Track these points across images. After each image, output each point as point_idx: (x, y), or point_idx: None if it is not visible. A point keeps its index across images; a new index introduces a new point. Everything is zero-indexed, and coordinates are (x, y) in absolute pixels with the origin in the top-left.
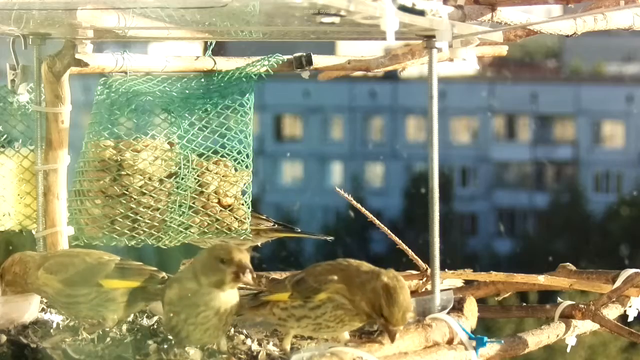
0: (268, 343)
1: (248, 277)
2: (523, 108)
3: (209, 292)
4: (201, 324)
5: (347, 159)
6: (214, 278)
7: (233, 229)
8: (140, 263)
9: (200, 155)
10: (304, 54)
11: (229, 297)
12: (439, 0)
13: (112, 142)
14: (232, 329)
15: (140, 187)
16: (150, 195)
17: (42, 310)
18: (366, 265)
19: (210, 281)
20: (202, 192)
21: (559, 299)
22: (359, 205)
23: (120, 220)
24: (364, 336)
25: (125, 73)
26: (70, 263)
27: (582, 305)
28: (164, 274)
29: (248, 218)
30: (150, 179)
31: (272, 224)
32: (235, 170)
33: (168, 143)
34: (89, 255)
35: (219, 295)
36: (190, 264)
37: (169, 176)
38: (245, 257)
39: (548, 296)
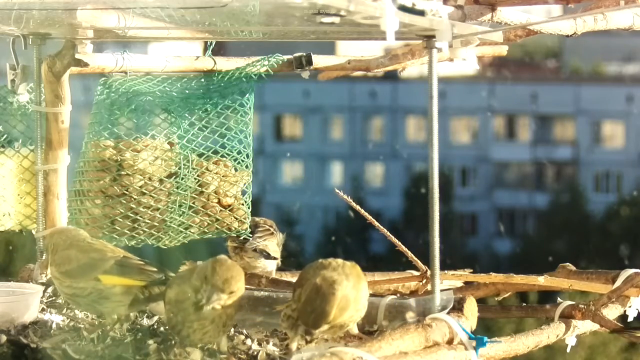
0: (268, 343)
1: (212, 303)
2: (523, 108)
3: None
4: (199, 329)
5: (347, 159)
6: (197, 284)
7: (233, 229)
8: (142, 262)
9: (200, 155)
10: (304, 54)
11: (228, 308)
12: (439, 0)
13: (112, 142)
14: (232, 329)
15: (140, 187)
16: (150, 195)
17: (42, 310)
18: (326, 264)
19: (194, 287)
20: (202, 192)
21: (558, 299)
22: (358, 207)
23: (120, 220)
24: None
25: (125, 73)
26: (74, 257)
27: (582, 306)
28: (162, 275)
29: (248, 218)
30: (150, 179)
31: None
32: (235, 170)
33: (168, 143)
34: (97, 251)
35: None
36: (194, 267)
37: (169, 176)
38: (225, 282)
39: (548, 296)
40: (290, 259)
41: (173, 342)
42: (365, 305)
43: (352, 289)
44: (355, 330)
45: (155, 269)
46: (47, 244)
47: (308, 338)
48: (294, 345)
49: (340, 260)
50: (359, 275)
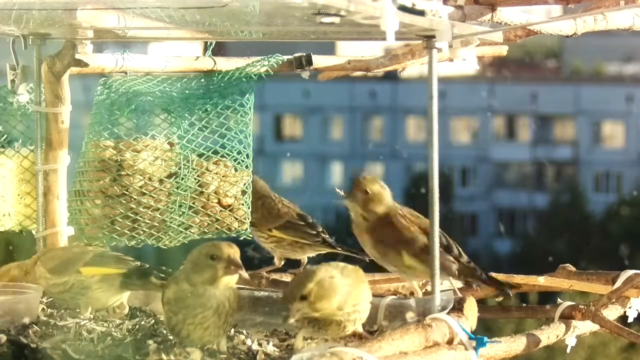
0: (268, 343)
1: (240, 271)
2: (523, 108)
3: (204, 293)
4: (200, 323)
5: (347, 159)
6: (207, 275)
7: (233, 229)
8: (120, 254)
9: (200, 155)
10: (304, 54)
11: (225, 295)
12: (439, 0)
13: (112, 142)
14: (232, 329)
15: (140, 187)
16: (150, 196)
17: (42, 310)
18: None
19: (204, 279)
20: (202, 192)
21: (558, 299)
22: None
23: (120, 220)
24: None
25: (125, 73)
26: (58, 255)
27: (582, 306)
28: (138, 262)
29: (248, 218)
30: (150, 179)
31: (317, 237)
32: (235, 170)
33: (168, 143)
34: (78, 247)
35: (214, 294)
36: (183, 266)
37: (169, 176)
38: (235, 253)
39: (548, 297)
40: (291, 259)
41: (173, 342)
42: (366, 308)
43: (343, 280)
44: (360, 329)
45: (132, 259)
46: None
47: (286, 315)
48: (299, 344)
49: (342, 263)
50: (358, 277)
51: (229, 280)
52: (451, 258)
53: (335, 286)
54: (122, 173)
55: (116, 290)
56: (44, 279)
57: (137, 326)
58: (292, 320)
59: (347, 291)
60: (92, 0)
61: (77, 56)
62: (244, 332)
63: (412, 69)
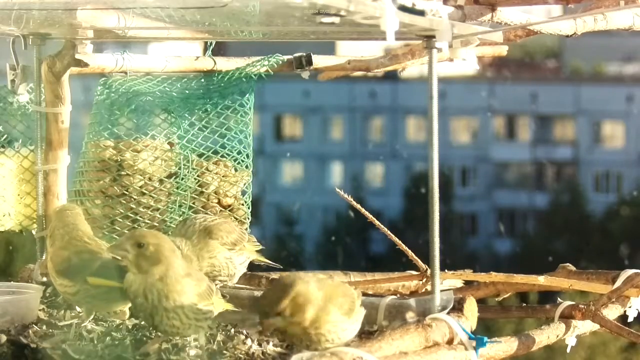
0: (268, 343)
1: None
2: (523, 108)
3: (132, 276)
4: (139, 310)
5: (347, 159)
6: None
7: None
8: None
9: (200, 155)
10: (304, 54)
11: (151, 282)
12: (439, 0)
13: (112, 142)
14: (233, 329)
15: (140, 187)
16: (150, 196)
17: (42, 310)
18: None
19: None
20: (202, 192)
21: (559, 299)
22: (358, 206)
23: (120, 220)
24: (363, 336)
25: (125, 73)
26: (67, 257)
27: (582, 306)
28: None
29: (248, 218)
30: (150, 179)
31: None
32: (235, 170)
33: (168, 143)
34: (89, 252)
35: (135, 279)
36: None
37: (169, 176)
38: (128, 240)
39: (548, 296)
40: (290, 259)
41: (174, 342)
42: (337, 323)
43: (317, 292)
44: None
45: None
46: (50, 227)
47: (260, 330)
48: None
49: (323, 276)
50: (333, 293)
51: (133, 268)
52: None
53: (310, 300)
54: (122, 173)
55: (120, 302)
56: (52, 277)
57: (137, 326)
58: (266, 333)
59: (320, 306)
60: (92, 0)
61: (77, 56)
62: (244, 332)
63: (412, 69)
